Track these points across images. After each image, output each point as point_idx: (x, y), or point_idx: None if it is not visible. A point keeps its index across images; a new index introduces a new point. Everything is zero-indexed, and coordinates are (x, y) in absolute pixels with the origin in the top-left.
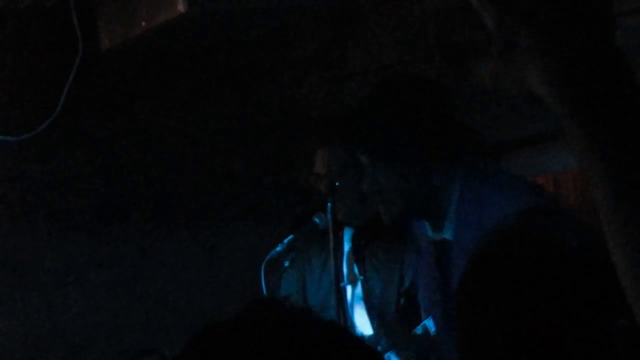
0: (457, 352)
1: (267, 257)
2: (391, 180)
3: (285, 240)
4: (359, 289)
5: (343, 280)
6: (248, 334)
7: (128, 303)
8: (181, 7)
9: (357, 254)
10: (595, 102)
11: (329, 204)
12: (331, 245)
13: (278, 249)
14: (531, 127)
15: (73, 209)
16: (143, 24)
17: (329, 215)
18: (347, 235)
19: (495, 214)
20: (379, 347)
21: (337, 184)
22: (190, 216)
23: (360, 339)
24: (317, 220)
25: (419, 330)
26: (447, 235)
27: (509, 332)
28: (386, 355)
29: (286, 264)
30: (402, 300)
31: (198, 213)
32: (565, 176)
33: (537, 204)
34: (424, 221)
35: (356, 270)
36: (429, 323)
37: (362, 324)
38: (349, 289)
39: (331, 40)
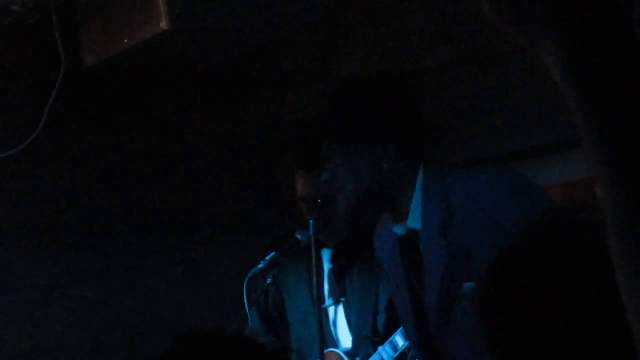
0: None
1: (250, 274)
2: (344, 166)
3: (268, 257)
4: (340, 307)
5: (324, 300)
6: None
7: (112, 319)
8: (164, 24)
9: (338, 274)
10: (610, 87)
11: (311, 221)
12: (314, 261)
13: (260, 265)
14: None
15: (57, 225)
16: (126, 40)
17: (311, 232)
18: (326, 256)
19: (462, 197)
20: None
21: (319, 201)
22: (175, 231)
23: None
24: (299, 236)
25: (385, 347)
26: (414, 224)
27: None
28: None
29: (269, 280)
30: (380, 318)
31: (183, 228)
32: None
33: (499, 184)
34: (385, 212)
35: (337, 290)
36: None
37: (346, 341)
38: (332, 308)
39: (315, 55)
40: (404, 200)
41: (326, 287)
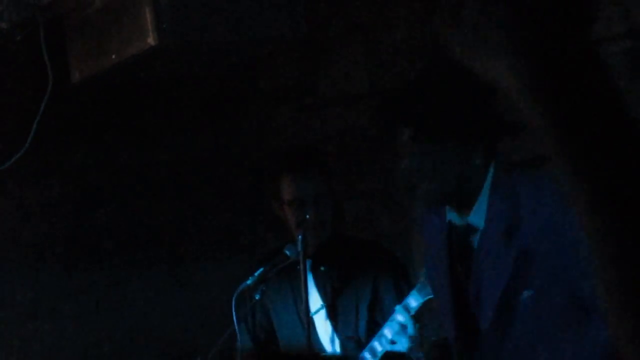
0: None
1: (238, 290)
2: (434, 157)
3: (256, 273)
4: (324, 313)
5: (310, 310)
6: None
7: (100, 334)
8: (151, 40)
9: (318, 282)
10: (569, 102)
11: (299, 237)
12: (302, 276)
13: (248, 281)
14: None
15: (44, 240)
16: (113, 56)
17: (299, 247)
18: (308, 265)
19: (533, 199)
20: None
21: (307, 216)
22: (162, 246)
23: None
24: (287, 252)
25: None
26: (475, 220)
27: None
28: None
29: (257, 296)
30: (361, 322)
31: (170, 243)
32: None
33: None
34: (450, 205)
35: (320, 297)
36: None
37: (333, 348)
38: (318, 316)
39: (301, 71)
40: (471, 194)
41: (311, 296)
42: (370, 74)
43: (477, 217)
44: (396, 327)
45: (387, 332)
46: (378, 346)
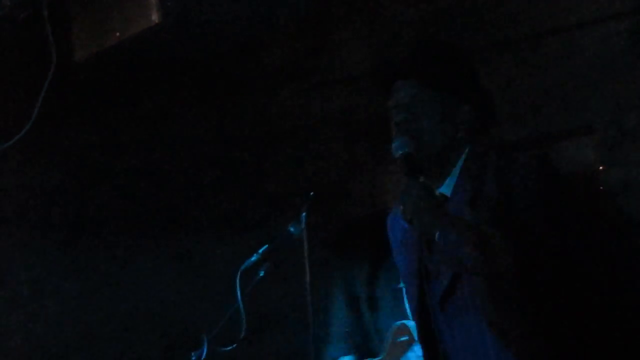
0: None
1: (242, 267)
2: (430, 111)
3: (260, 250)
4: None
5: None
6: None
7: (104, 312)
8: (155, 17)
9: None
10: None
11: (302, 214)
12: (305, 254)
13: (253, 258)
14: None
15: (48, 219)
16: (117, 34)
17: (302, 225)
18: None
19: (503, 172)
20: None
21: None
22: (165, 225)
23: None
24: (291, 229)
25: None
26: (445, 190)
27: None
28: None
29: (261, 273)
30: None
31: (173, 222)
32: None
33: (545, 173)
34: (427, 173)
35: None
36: None
37: None
38: None
39: (304, 50)
40: (446, 166)
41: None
42: (373, 53)
43: (447, 189)
44: None
45: None
46: None
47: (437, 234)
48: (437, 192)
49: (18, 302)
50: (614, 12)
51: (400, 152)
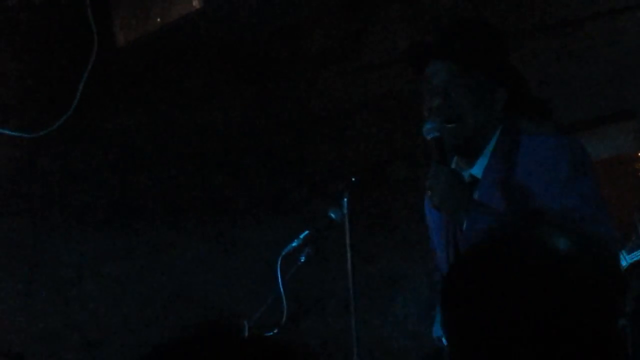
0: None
1: (283, 252)
2: (465, 95)
3: (301, 236)
4: None
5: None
6: None
7: (143, 297)
8: (196, 3)
9: None
10: None
11: (344, 199)
12: (347, 240)
13: (294, 244)
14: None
15: (88, 203)
16: (158, 19)
17: (344, 210)
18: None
19: (528, 157)
20: None
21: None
22: (205, 210)
23: None
24: (332, 214)
25: None
26: (476, 171)
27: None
28: None
29: (302, 259)
30: None
31: (213, 207)
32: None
33: (563, 156)
34: (461, 153)
35: None
36: None
37: None
38: None
39: (345, 33)
40: (479, 147)
41: None
42: (412, 37)
43: (478, 170)
44: None
45: None
46: None
47: (464, 222)
48: (468, 173)
49: (58, 285)
50: (625, 5)
51: (431, 136)
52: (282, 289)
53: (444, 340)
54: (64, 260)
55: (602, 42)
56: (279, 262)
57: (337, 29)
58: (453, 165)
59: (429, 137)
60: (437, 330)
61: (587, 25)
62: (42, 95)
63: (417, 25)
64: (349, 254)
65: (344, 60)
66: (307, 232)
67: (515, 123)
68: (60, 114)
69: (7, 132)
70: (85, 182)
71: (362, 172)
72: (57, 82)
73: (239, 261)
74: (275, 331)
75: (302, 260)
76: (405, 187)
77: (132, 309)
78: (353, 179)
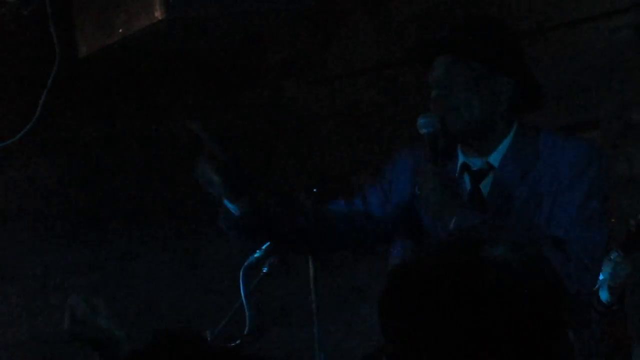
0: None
1: (246, 263)
2: (465, 85)
3: (264, 246)
4: None
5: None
6: None
7: (109, 308)
8: (159, 14)
9: None
10: None
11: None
12: (311, 271)
13: (257, 255)
14: None
15: (53, 214)
16: (121, 30)
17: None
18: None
19: (552, 151)
20: None
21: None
22: (170, 221)
23: None
24: None
25: None
26: (492, 160)
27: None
28: None
29: (265, 269)
30: None
31: (178, 217)
32: None
33: (597, 158)
34: (468, 142)
35: None
36: None
37: None
38: None
39: (310, 43)
40: (494, 139)
41: None
42: (379, 48)
43: (495, 159)
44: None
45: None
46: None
47: (451, 223)
48: (483, 161)
49: (24, 297)
50: (620, 7)
51: (425, 131)
52: (245, 300)
53: None
54: (29, 272)
55: (566, 52)
56: (241, 273)
57: (302, 39)
58: (459, 154)
59: (422, 132)
60: None
61: (551, 36)
62: (4, 107)
63: (383, 35)
64: (311, 265)
65: (308, 70)
66: (269, 243)
67: (533, 121)
68: (22, 126)
69: None
70: (49, 193)
71: (328, 182)
72: (19, 94)
73: (203, 272)
74: (238, 342)
75: (265, 271)
76: None
77: None
78: (315, 190)
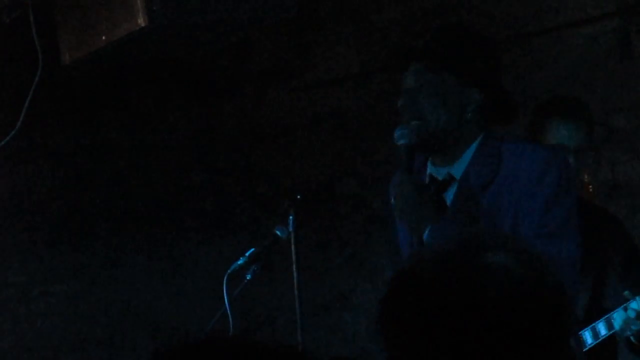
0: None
1: (229, 270)
2: (430, 95)
3: (247, 253)
4: None
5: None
6: None
7: (93, 316)
8: (141, 21)
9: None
10: None
11: (290, 217)
12: (293, 257)
13: (240, 261)
14: None
15: (36, 222)
16: (103, 37)
17: (290, 228)
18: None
19: (514, 161)
20: None
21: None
22: (154, 227)
23: None
24: (278, 232)
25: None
26: (455, 172)
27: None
28: None
29: (248, 276)
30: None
31: (161, 225)
32: None
33: (555, 167)
34: (436, 153)
35: None
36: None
37: None
38: None
39: (292, 51)
40: (458, 149)
41: None
42: (360, 55)
43: (458, 170)
44: (631, 314)
45: (617, 317)
46: (602, 329)
47: (425, 232)
48: (445, 171)
49: (6, 304)
50: (601, 13)
51: (402, 142)
52: (228, 306)
53: None
54: (12, 280)
55: (547, 59)
56: (225, 280)
57: (284, 46)
58: (428, 164)
59: (399, 143)
60: None
61: (533, 42)
62: None
63: (364, 43)
64: (294, 271)
65: (291, 77)
66: (253, 249)
67: (500, 131)
68: (5, 133)
69: None
70: (32, 200)
71: (311, 189)
72: (1, 101)
73: (187, 278)
74: None
75: (249, 278)
76: (353, 204)
77: (81, 327)
78: (298, 197)
